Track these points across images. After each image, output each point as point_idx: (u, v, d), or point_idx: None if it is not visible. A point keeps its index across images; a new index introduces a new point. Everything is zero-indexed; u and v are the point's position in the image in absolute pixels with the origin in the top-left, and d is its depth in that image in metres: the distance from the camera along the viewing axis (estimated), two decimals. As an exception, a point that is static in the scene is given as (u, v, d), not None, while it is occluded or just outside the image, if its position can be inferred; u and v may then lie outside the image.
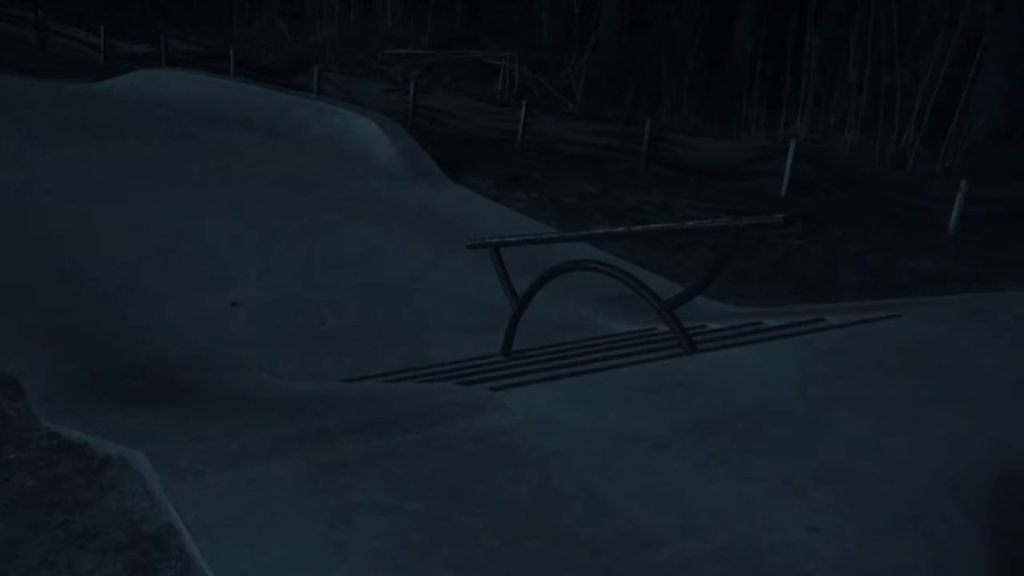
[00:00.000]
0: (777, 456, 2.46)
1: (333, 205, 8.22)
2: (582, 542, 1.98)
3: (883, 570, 1.98)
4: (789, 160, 10.69)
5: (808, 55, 12.80)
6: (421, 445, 2.40)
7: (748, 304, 6.24)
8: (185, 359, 4.36)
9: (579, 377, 3.24)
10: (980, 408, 2.89)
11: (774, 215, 3.64)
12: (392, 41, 17.16)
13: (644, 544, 1.99)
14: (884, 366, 3.22)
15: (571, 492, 2.20)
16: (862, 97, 12.13)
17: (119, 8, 19.98)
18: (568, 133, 12.63)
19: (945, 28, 11.35)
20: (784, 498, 2.24)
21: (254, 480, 2.15)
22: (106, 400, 3.39)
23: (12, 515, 2.12)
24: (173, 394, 3.62)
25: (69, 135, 10.34)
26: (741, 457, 2.45)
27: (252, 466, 2.22)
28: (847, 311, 4.46)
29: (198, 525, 1.96)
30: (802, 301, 6.51)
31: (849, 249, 8.44)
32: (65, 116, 11.75)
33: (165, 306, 5.22)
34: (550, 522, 2.04)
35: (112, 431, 2.61)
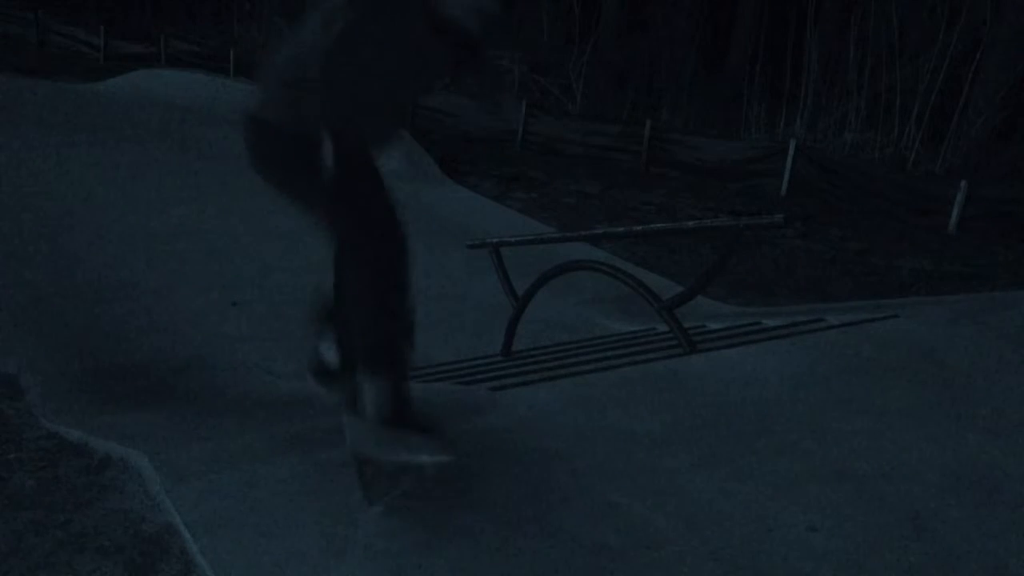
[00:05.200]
0: (777, 456, 2.46)
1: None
2: (582, 542, 1.98)
3: (883, 570, 1.98)
4: (789, 160, 10.70)
5: (808, 55, 12.79)
6: (421, 445, 2.39)
7: (748, 304, 6.25)
8: (185, 359, 4.35)
9: (579, 377, 3.24)
10: (980, 408, 2.89)
11: (774, 215, 3.65)
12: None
13: (644, 544, 1.99)
14: (884, 366, 3.22)
15: (571, 492, 2.20)
16: (862, 97, 12.13)
17: (119, 8, 19.97)
18: (568, 133, 12.63)
19: (945, 28, 11.35)
20: (784, 498, 2.24)
21: (254, 480, 2.15)
22: (106, 400, 3.39)
23: (12, 515, 2.12)
24: (173, 394, 3.62)
25: (69, 135, 10.34)
26: (741, 457, 2.45)
27: (252, 466, 2.22)
28: (847, 311, 4.46)
29: (198, 525, 1.96)
30: (802, 301, 6.51)
31: (849, 249, 8.44)
32: (65, 116, 11.75)
33: (165, 305, 5.22)
34: (550, 522, 2.04)
35: (112, 431, 2.61)
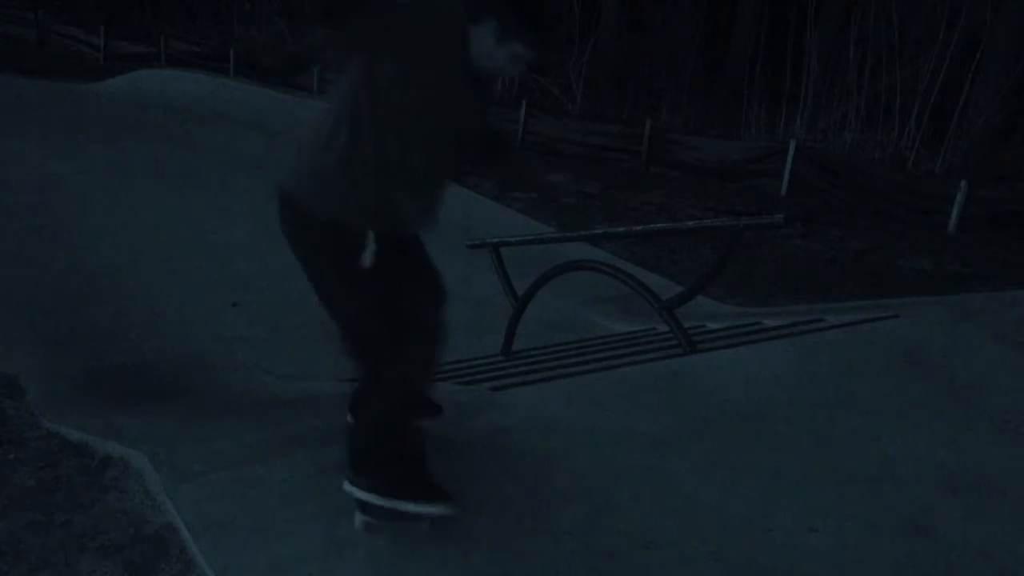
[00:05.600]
0: (777, 456, 2.46)
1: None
2: (582, 542, 1.98)
3: (883, 570, 1.98)
4: (789, 160, 10.68)
5: (808, 55, 12.79)
6: (421, 445, 2.39)
7: (748, 304, 6.24)
8: (185, 359, 4.36)
9: (579, 377, 3.24)
10: (980, 408, 2.89)
11: (774, 215, 3.65)
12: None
13: (644, 544, 1.99)
14: (884, 366, 3.22)
15: (571, 492, 2.20)
16: (862, 97, 12.12)
17: (119, 8, 19.97)
18: (568, 133, 12.62)
19: (945, 28, 11.34)
20: (784, 498, 2.24)
21: (254, 480, 2.15)
22: (106, 400, 3.39)
23: (12, 515, 2.12)
24: (173, 394, 3.62)
25: (69, 135, 10.34)
26: (741, 457, 2.45)
27: (252, 466, 2.22)
28: (847, 311, 4.46)
29: (198, 525, 1.96)
30: (802, 301, 6.51)
31: (849, 249, 8.43)
32: (65, 116, 11.75)
33: (165, 306, 5.22)
34: (550, 522, 2.04)
35: (112, 431, 2.61)
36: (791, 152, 10.71)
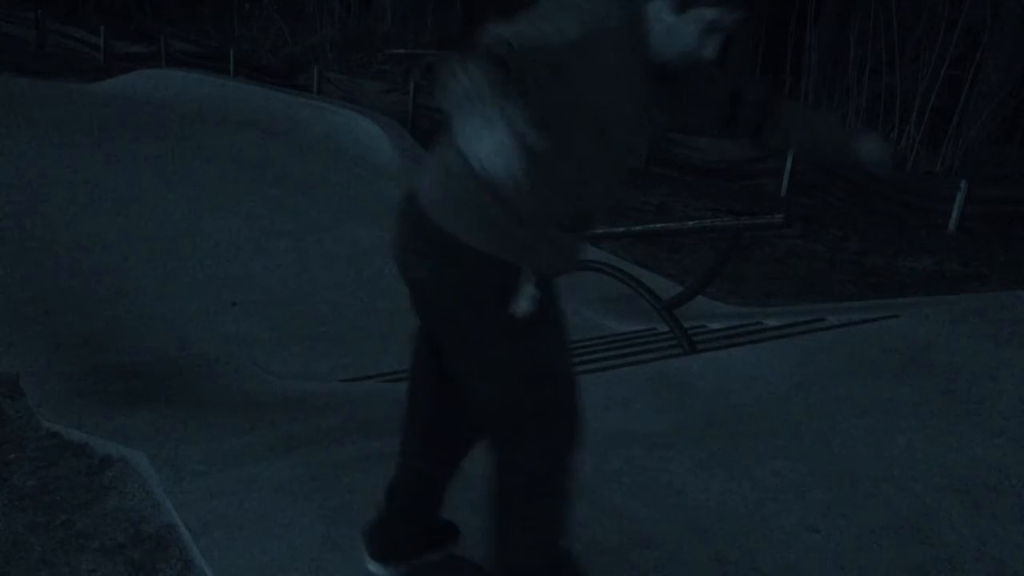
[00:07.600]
0: (777, 456, 2.46)
1: (333, 204, 8.23)
2: (582, 542, 1.98)
3: (883, 570, 1.98)
4: (789, 160, 10.69)
5: (808, 55, 12.79)
6: (421, 445, 2.39)
7: (748, 304, 6.24)
8: (185, 359, 4.35)
9: (579, 377, 3.23)
10: (980, 408, 2.89)
11: (774, 215, 3.66)
12: (392, 41, 17.15)
13: (644, 544, 1.99)
14: (884, 366, 3.22)
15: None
16: (862, 97, 12.12)
17: (119, 8, 19.98)
18: (568, 133, 12.62)
19: (945, 28, 11.34)
20: (784, 498, 2.24)
21: (254, 480, 2.15)
22: (106, 400, 3.39)
23: (12, 515, 2.12)
24: (173, 394, 3.62)
25: (68, 135, 10.35)
26: (741, 457, 2.45)
27: (252, 466, 2.22)
28: (847, 311, 4.46)
29: (198, 525, 1.96)
30: (802, 301, 6.51)
31: (849, 249, 8.43)
32: (65, 116, 11.74)
33: (165, 305, 5.22)
34: (550, 522, 2.04)
35: (112, 431, 2.61)
36: (791, 152, 10.71)
